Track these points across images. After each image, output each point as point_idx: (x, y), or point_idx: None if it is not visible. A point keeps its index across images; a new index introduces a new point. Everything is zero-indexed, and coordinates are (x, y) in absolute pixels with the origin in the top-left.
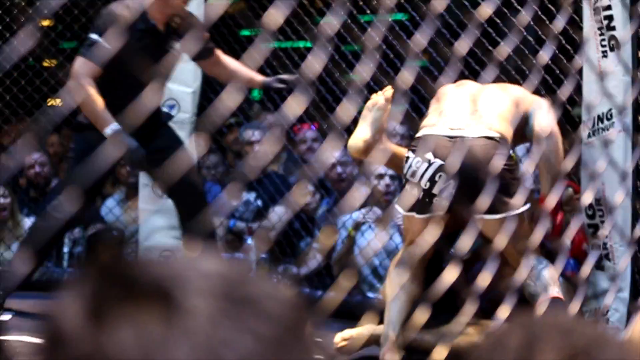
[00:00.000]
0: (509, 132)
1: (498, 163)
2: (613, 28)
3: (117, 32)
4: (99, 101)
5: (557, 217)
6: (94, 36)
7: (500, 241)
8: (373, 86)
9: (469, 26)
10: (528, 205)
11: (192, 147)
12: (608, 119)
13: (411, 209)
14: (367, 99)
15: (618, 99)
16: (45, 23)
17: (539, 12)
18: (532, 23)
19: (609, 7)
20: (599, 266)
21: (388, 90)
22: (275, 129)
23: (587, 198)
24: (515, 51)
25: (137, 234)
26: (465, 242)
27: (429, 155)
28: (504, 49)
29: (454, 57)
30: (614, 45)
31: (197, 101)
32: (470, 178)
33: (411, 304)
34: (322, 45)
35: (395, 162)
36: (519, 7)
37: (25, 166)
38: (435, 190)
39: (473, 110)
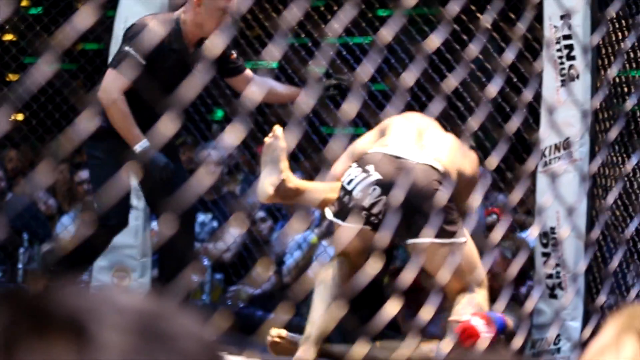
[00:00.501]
0: (452, 169)
1: (437, 189)
2: (573, 58)
3: (149, 48)
4: (130, 116)
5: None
6: (126, 48)
7: (432, 268)
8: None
9: (416, 57)
10: (463, 240)
11: None
12: (562, 149)
13: (337, 215)
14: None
15: (573, 129)
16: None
17: (494, 42)
18: (480, 56)
19: (569, 37)
20: (552, 294)
21: (277, 129)
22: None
23: (534, 231)
24: (463, 82)
25: None
26: (407, 276)
27: (369, 167)
28: (452, 81)
29: (401, 87)
30: (573, 75)
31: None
32: (406, 200)
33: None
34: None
35: (310, 197)
36: (465, 39)
37: None
38: (365, 203)
39: (419, 141)
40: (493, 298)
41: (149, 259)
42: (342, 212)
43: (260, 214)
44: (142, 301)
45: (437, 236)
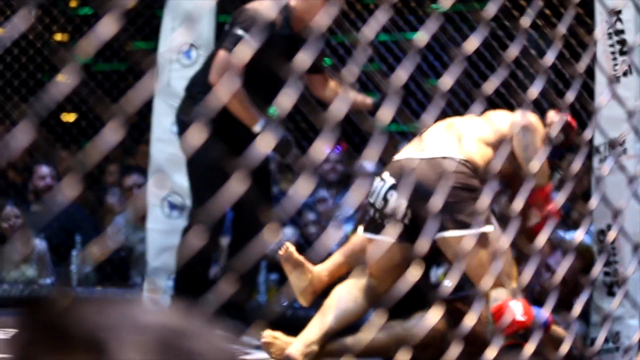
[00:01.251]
0: (477, 156)
1: (452, 176)
2: (625, 53)
3: (263, 31)
4: (246, 97)
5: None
6: (239, 32)
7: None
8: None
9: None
10: (491, 227)
11: None
12: (618, 146)
13: (366, 229)
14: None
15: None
16: None
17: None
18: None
19: (622, 32)
20: (610, 292)
21: (289, 246)
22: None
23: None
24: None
25: (145, 254)
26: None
27: (385, 175)
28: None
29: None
30: (627, 70)
31: None
32: (421, 196)
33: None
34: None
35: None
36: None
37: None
38: (387, 210)
39: (442, 135)
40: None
41: None
42: (371, 225)
43: (311, 216)
44: (165, 318)
45: (465, 227)
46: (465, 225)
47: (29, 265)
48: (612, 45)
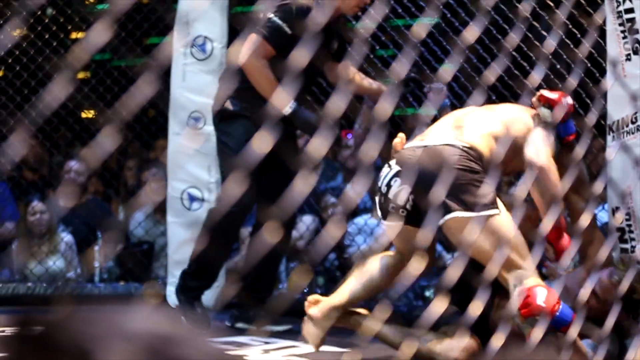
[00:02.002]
0: (481, 145)
1: (454, 159)
2: (636, 31)
3: (297, 20)
4: (275, 80)
5: (561, 242)
6: (275, 19)
7: (458, 243)
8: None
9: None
10: (497, 211)
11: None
12: (633, 122)
13: (377, 216)
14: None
15: None
16: None
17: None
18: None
19: (631, 10)
20: (622, 239)
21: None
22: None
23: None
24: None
25: (166, 247)
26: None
27: (392, 162)
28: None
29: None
30: (637, 48)
31: None
32: (424, 181)
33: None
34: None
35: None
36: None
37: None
38: (391, 195)
39: (446, 126)
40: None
41: None
42: (380, 211)
43: (331, 199)
44: (153, 325)
45: (459, 210)
46: (470, 207)
47: (56, 258)
48: (621, 24)
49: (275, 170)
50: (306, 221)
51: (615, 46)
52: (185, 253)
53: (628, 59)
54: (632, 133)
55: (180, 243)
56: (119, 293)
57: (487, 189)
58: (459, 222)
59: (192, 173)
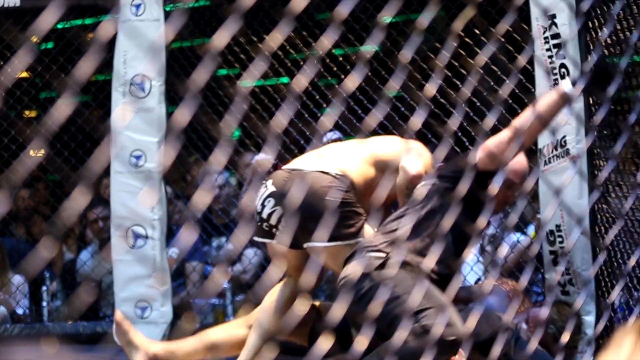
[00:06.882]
0: (353, 174)
1: (328, 191)
2: (563, 57)
3: None
4: None
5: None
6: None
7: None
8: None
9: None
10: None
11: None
12: (559, 147)
13: (255, 235)
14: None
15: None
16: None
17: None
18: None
19: (557, 36)
20: (563, 291)
21: None
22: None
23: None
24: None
25: (112, 285)
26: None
27: (268, 182)
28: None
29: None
30: (564, 73)
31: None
32: (299, 206)
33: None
34: None
35: None
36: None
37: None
38: (264, 214)
39: (321, 155)
40: None
41: (169, 287)
42: (258, 229)
43: None
44: None
45: (335, 239)
46: (333, 238)
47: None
48: (549, 50)
49: None
50: (249, 255)
51: (543, 71)
52: (132, 291)
53: (555, 83)
54: (562, 157)
55: (127, 280)
56: (68, 332)
57: (354, 220)
58: (328, 249)
59: (135, 211)
